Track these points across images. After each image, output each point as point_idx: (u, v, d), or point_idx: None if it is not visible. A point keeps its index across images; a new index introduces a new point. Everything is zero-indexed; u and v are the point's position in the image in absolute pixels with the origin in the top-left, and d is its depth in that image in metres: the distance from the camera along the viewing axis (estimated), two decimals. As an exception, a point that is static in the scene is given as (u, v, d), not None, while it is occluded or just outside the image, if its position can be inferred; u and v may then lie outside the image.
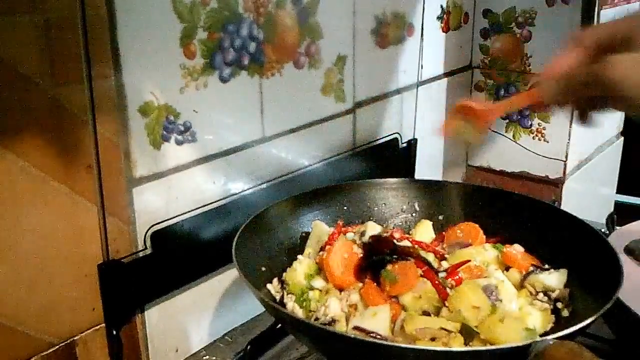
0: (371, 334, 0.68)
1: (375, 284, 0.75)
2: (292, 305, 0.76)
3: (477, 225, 0.88)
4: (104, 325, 0.73)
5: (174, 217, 0.78)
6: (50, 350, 0.69)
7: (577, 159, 1.33)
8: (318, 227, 0.85)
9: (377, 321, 0.69)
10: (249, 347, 0.79)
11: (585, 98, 0.65)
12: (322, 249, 0.82)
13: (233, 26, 0.79)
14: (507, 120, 1.32)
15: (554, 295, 0.76)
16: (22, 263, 0.65)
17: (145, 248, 0.76)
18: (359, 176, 1.03)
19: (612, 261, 0.72)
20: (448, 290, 0.73)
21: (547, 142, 1.28)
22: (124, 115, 0.70)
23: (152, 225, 0.76)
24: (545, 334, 0.71)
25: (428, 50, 1.18)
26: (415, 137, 1.19)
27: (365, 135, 1.07)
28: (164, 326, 0.80)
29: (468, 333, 0.68)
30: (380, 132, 1.11)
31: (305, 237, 0.87)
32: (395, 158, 1.15)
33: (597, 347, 0.74)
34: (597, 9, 1.21)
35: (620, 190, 1.66)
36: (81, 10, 0.64)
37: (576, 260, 0.78)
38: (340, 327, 0.70)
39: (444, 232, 0.90)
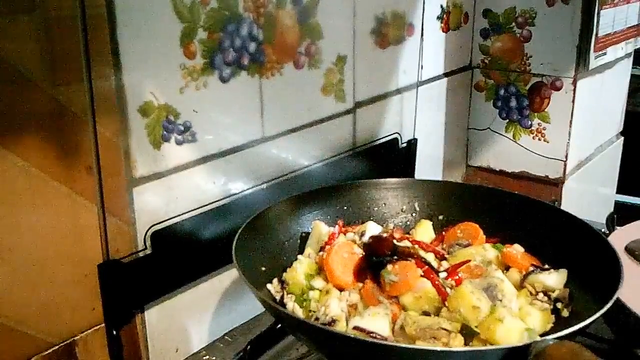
0: (371, 334, 0.68)
1: (375, 284, 0.75)
2: (292, 305, 0.76)
3: (477, 225, 0.88)
4: (104, 325, 0.73)
5: (174, 217, 0.78)
6: (50, 350, 0.69)
7: (577, 159, 1.33)
8: (318, 227, 0.85)
9: (377, 321, 0.69)
10: (249, 347, 0.79)
11: None
12: (322, 249, 0.82)
13: (233, 26, 0.79)
14: (507, 120, 1.32)
15: (554, 295, 0.76)
16: (22, 263, 0.65)
17: (145, 248, 0.76)
18: (359, 176, 1.03)
19: (612, 261, 0.72)
20: (448, 290, 0.73)
21: (547, 142, 1.28)
22: (124, 115, 0.70)
23: (152, 225, 0.76)
24: (545, 334, 0.71)
25: (428, 50, 1.18)
26: (415, 137, 1.19)
27: (365, 135, 1.07)
28: (164, 326, 0.80)
29: (468, 333, 0.68)
30: (380, 132, 1.11)
31: (305, 237, 0.87)
32: (395, 158, 1.15)
33: (597, 347, 0.74)
34: (597, 9, 1.21)
35: (620, 190, 1.66)
36: (81, 10, 0.64)
37: (576, 260, 0.78)
38: (340, 327, 0.70)
39: (444, 232, 0.90)
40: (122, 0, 0.67)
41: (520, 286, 0.78)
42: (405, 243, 0.79)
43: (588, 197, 1.45)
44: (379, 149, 1.10)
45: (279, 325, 0.81)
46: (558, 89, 1.25)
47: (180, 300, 0.82)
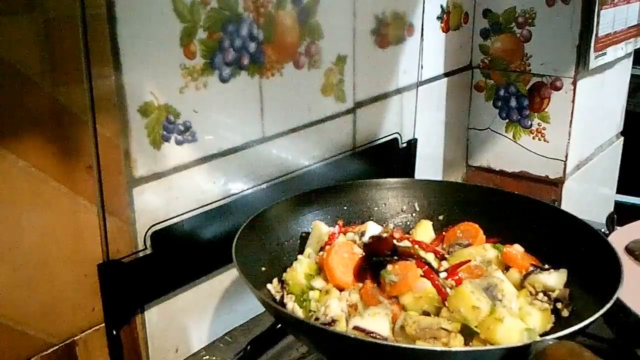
0: (371, 334, 0.68)
1: (375, 284, 0.75)
2: (292, 305, 0.76)
3: (477, 225, 0.88)
4: (104, 325, 0.73)
5: (174, 217, 0.78)
6: (50, 350, 0.69)
7: (577, 159, 1.33)
8: (318, 227, 0.85)
9: (377, 321, 0.69)
10: (249, 347, 0.79)
11: None
12: (322, 249, 0.82)
13: (233, 26, 0.79)
14: (507, 120, 1.32)
15: (554, 295, 0.76)
16: (22, 263, 0.65)
17: (145, 248, 0.76)
18: (359, 176, 1.02)
19: (612, 261, 0.72)
20: (448, 290, 0.73)
21: (547, 142, 1.28)
22: (124, 115, 0.70)
23: (152, 225, 0.76)
24: (545, 334, 0.71)
25: (428, 50, 1.18)
26: (415, 137, 1.19)
27: (365, 135, 1.07)
28: (164, 326, 0.80)
29: (468, 333, 0.68)
30: (380, 132, 1.11)
31: (305, 237, 0.87)
32: (395, 158, 1.15)
33: (597, 347, 0.74)
34: (597, 9, 1.21)
35: (620, 190, 1.66)
36: (81, 10, 0.64)
37: (576, 260, 0.78)
38: (340, 327, 0.70)
39: (444, 232, 0.90)
40: (122, 0, 0.67)
41: (520, 286, 0.78)
42: (405, 243, 0.79)
43: (588, 197, 1.45)
44: (379, 149, 1.10)
45: (279, 325, 0.81)
46: (558, 89, 1.25)
47: (180, 300, 0.82)
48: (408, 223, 0.94)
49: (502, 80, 1.31)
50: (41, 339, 0.68)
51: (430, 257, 0.79)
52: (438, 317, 0.70)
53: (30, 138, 0.63)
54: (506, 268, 0.81)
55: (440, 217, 0.94)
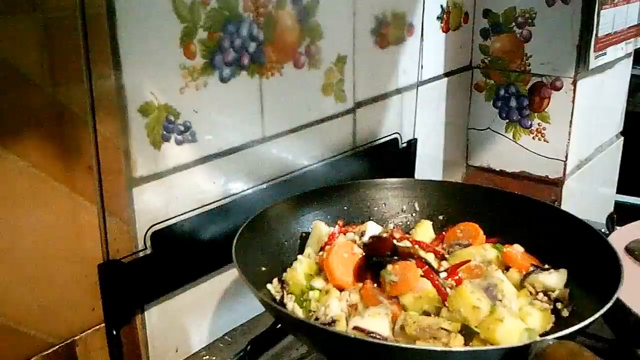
0: (371, 334, 0.68)
1: (375, 284, 0.75)
2: (292, 305, 0.76)
3: (477, 225, 0.88)
4: (104, 325, 0.73)
5: (174, 217, 0.78)
6: (50, 350, 0.69)
7: (577, 159, 1.33)
8: (318, 227, 0.85)
9: (377, 321, 0.69)
10: (249, 347, 0.79)
11: None
12: (322, 249, 0.82)
13: (233, 26, 0.79)
14: (507, 120, 1.32)
15: (554, 295, 0.76)
16: (22, 263, 0.65)
17: (145, 248, 0.76)
18: (359, 176, 1.02)
19: (612, 261, 0.72)
20: (448, 290, 0.73)
21: (547, 142, 1.28)
22: (124, 115, 0.70)
23: (152, 225, 0.76)
24: (545, 334, 0.71)
25: (428, 50, 1.18)
26: (415, 137, 1.19)
27: (365, 135, 1.07)
28: (164, 326, 0.80)
29: (468, 333, 0.68)
30: (380, 132, 1.11)
31: (305, 237, 0.87)
32: (395, 158, 1.15)
33: (597, 347, 0.74)
34: (597, 9, 1.21)
35: (620, 190, 1.66)
36: (81, 10, 0.64)
37: (576, 260, 0.78)
38: (340, 327, 0.70)
39: (444, 232, 0.90)
40: (122, 0, 0.67)
41: (520, 286, 0.78)
42: (405, 243, 0.80)
43: (588, 197, 1.45)
44: (379, 149, 1.10)
45: (279, 325, 0.81)
46: (558, 89, 1.25)
47: (180, 300, 0.82)
48: (408, 223, 0.94)
49: (502, 80, 1.31)
50: (41, 339, 0.68)
51: (430, 257, 0.79)
52: (438, 317, 0.70)
53: (30, 138, 0.63)
54: (506, 268, 0.81)
55: (440, 217, 0.94)
